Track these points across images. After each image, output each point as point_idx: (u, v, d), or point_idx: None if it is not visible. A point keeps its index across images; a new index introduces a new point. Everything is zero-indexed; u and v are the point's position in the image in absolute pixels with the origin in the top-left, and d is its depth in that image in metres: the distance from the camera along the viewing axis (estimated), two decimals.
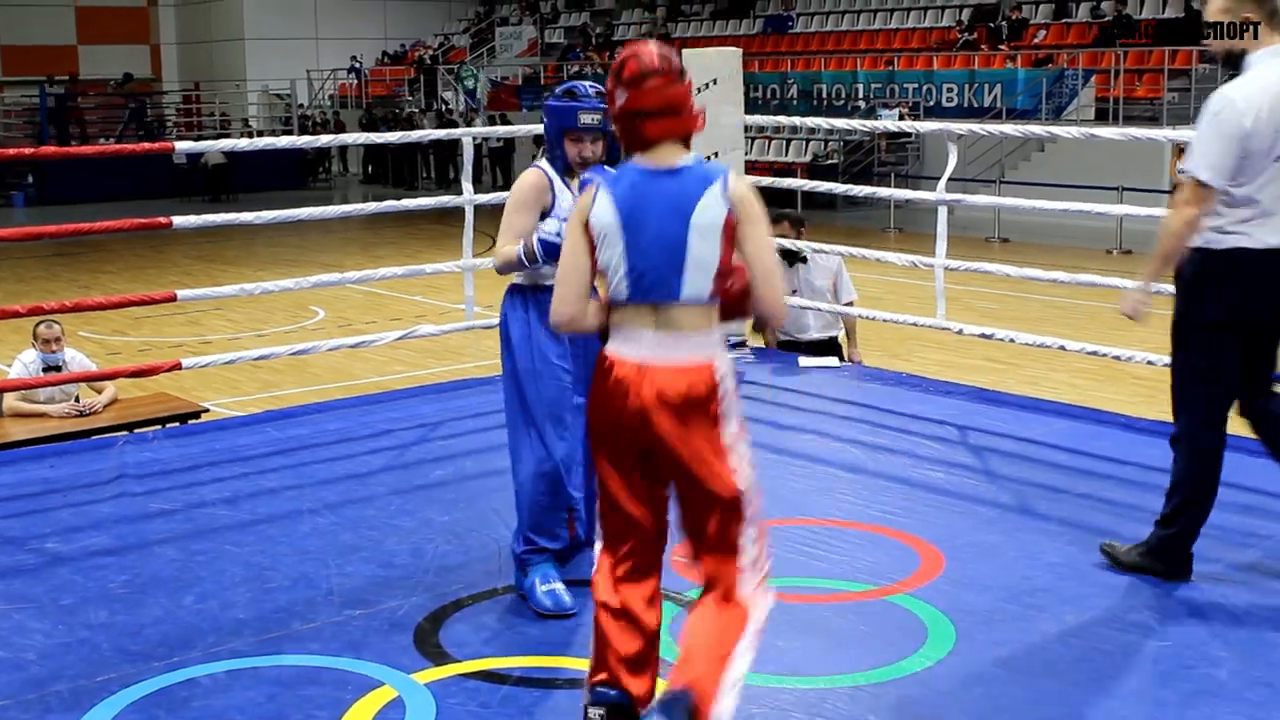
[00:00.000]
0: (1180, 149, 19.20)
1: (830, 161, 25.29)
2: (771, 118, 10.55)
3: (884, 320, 8.40)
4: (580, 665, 3.92)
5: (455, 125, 29.76)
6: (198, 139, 29.53)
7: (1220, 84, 4.78)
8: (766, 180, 9.33)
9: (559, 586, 4.66)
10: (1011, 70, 24.48)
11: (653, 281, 3.56)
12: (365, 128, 31.23)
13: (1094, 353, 7.36)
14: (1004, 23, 26.31)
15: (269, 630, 4.54)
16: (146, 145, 7.18)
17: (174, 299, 7.24)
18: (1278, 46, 4.60)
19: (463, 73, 33.64)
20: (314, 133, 32.02)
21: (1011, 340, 7.70)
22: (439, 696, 4.05)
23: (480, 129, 7.83)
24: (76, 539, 5.47)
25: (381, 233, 22.60)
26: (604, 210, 3.63)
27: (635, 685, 3.60)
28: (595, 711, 3.56)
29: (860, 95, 26.20)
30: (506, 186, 25.33)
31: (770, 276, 3.60)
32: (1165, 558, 4.88)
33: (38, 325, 8.13)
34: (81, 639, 4.50)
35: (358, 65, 36.77)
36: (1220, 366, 4.78)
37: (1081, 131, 7.73)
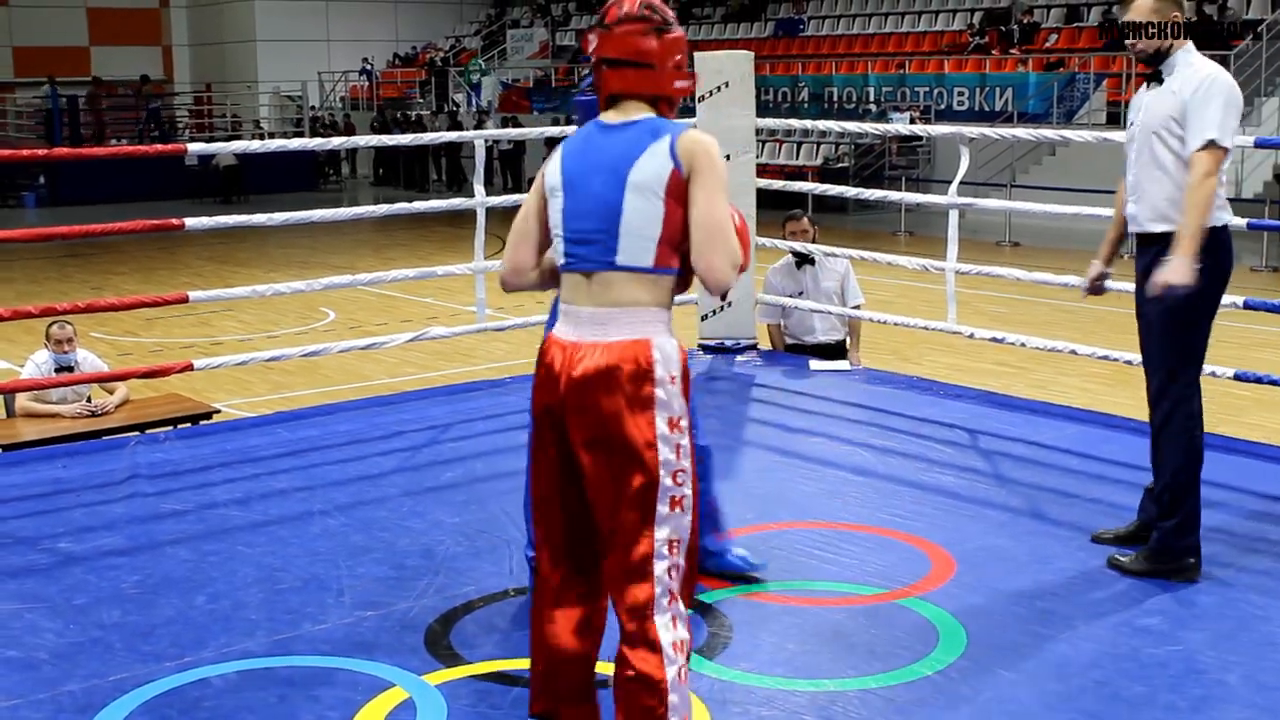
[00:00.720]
0: None
1: (841, 165, 25.28)
2: (782, 121, 10.55)
3: (894, 324, 8.40)
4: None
5: (465, 128, 29.79)
6: (209, 140, 29.59)
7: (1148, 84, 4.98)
8: (778, 184, 9.31)
9: None
10: (1023, 74, 24.45)
11: (586, 246, 3.30)
12: (376, 130, 31.26)
13: (1105, 357, 7.35)
14: (1015, 26, 26.29)
15: (280, 631, 4.55)
16: (159, 147, 7.20)
17: (186, 300, 7.26)
18: (1190, 45, 5.00)
19: (469, 67, 33.68)
20: (325, 135, 32.07)
21: (1022, 344, 7.70)
22: (449, 698, 4.06)
23: (491, 131, 7.85)
24: (89, 539, 5.48)
25: (393, 235, 22.62)
26: (554, 168, 3.39)
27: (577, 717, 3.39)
28: None
29: (871, 99, 26.19)
30: (517, 189, 25.26)
31: (713, 239, 3.20)
32: (1170, 555, 4.89)
33: (50, 326, 8.15)
34: (94, 639, 4.51)
35: (369, 67, 36.81)
36: (1206, 346, 4.94)
37: (1093, 135, 7.73)
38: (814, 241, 8.36)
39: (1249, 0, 23.50)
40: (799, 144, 26.46)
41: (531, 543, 4.56)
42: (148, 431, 7.75)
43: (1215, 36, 22.62)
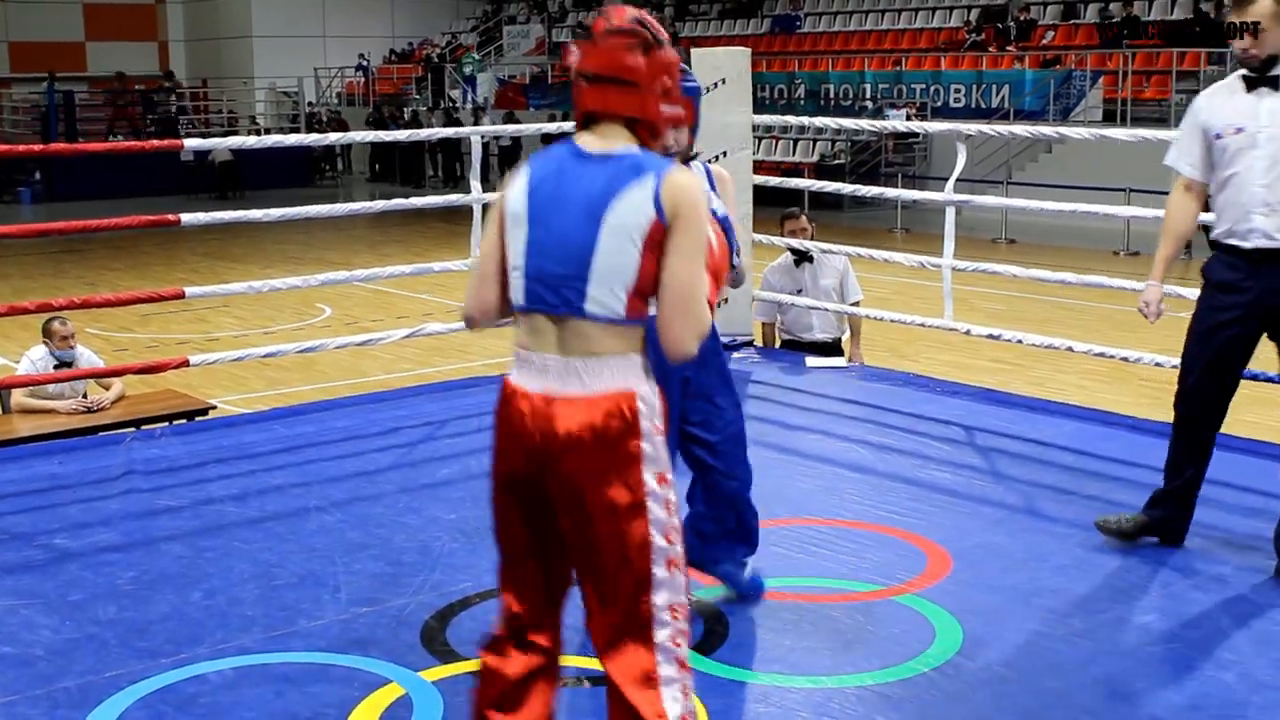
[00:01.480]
0: None
1: (837, 161, 25.29)
2: (779, 117, 10.55)
3: (891, 321, 8.40)
4: (586, 663, 3.92)
5: (462, 124, 29.77)
6: (205, 136, 29.55)
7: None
8: (775, 180, 9.31)
9: None
10: (1019, 71, 24.46)
11: (551, 289, 2.97)
12: (373, 126, 31.24)
13: (1102, 354, 7.35)
14: (1012, 23, 26.29)
15: (277, 627, 4.54)
16: (155, 143, 7.19)
17: (182, 296, 7.25)
18: None
19: (463, 61, 33.67)
20: (321, 131, 32.05)
21: (1019, 341, 7.70)
22: (446, 694, 4.05)
23: (488, 128, 7.83)
24: (85, 535, 5.48)
25: (388, 231, 22.61)
26: (516, 193, 3.04)
27: None
28: None
29: (868, 95, 26.19)
30: None
31: (683, 309, 2.92)
32: (1166, 518, 5.04)
33: (51, 322, 8.13)
34: (90, 635, 4.51)
35: (365, 63, 36.78)
36: None
37: (1090, 132, 7.73)
38: (812, 239, 8.36)
39: None
40: (795, 141, 26.46)
41: None
42: (144, 428, 7.73)
43: (1212, 34, 22.65)
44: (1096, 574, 4.94)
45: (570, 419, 2.94)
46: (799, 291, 8.34)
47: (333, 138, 8.19)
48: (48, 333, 8.15)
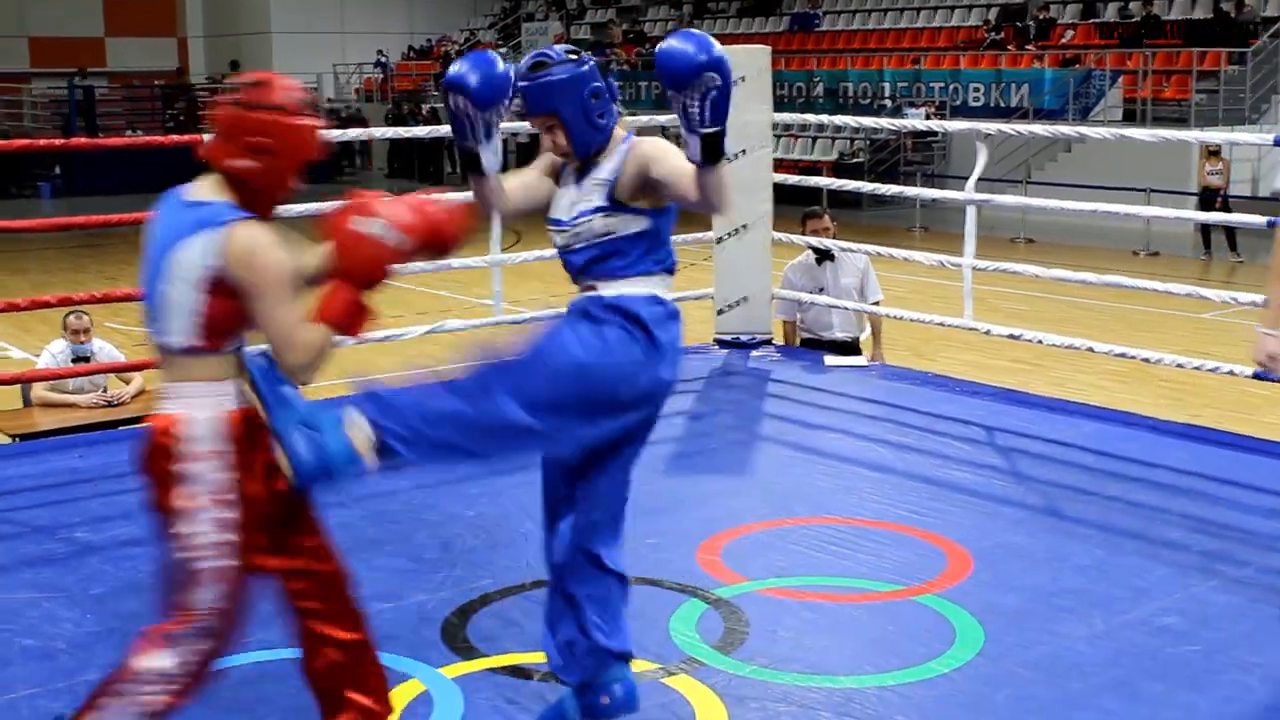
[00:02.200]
0: (1211, 150, 19.06)
1: (856, 160, 25.26)
2: (799, 116, 10.54)
3: (911, 320, 8.38)
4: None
5: None
6: None
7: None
8: (794, 179, 9.30)
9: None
10: (1038, 70, 24.41)
11: (149, 321, 3.30)
12: (392, 123, 31.27)
13: (1122, 354, 7.33)
14: (1031, 22, 26.23)
15: None
16: (175, 138, 7.20)
17: None
18: None
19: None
20: (340, 127, 32.10)
21: (1039, 341, 7.68)
22: (467, 691, 4.06)
23: (507, 124, 7.82)
24: (106, 528, 5.49)
25: None
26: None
27: None
28: None
29: (886, 94, 26.15)
30: None
31: (278, 344, 3.22)
32: None
33: (67, 316, 8.16)
34: (111, 629, 4.51)
35: (384, 60, 36.84)
36: None
37: (1109, 132, 7.71)
38: (834, 238, 8.35)
39: None
40: (814, 139, 26.43)
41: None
42: None
43: (1233, 34, 22.57)
44: (1118, 575, 4.92)
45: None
46: (820, 290, 8.33)
47: (353, 133, 8.20)
48: (66, 327, 8.18)
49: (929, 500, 5.76)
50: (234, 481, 3.28)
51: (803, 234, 8.41)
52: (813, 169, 24.48)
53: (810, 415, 7.12)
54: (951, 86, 25.33)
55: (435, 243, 3.39)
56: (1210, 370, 6.95)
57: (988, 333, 7.83)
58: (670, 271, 3.63)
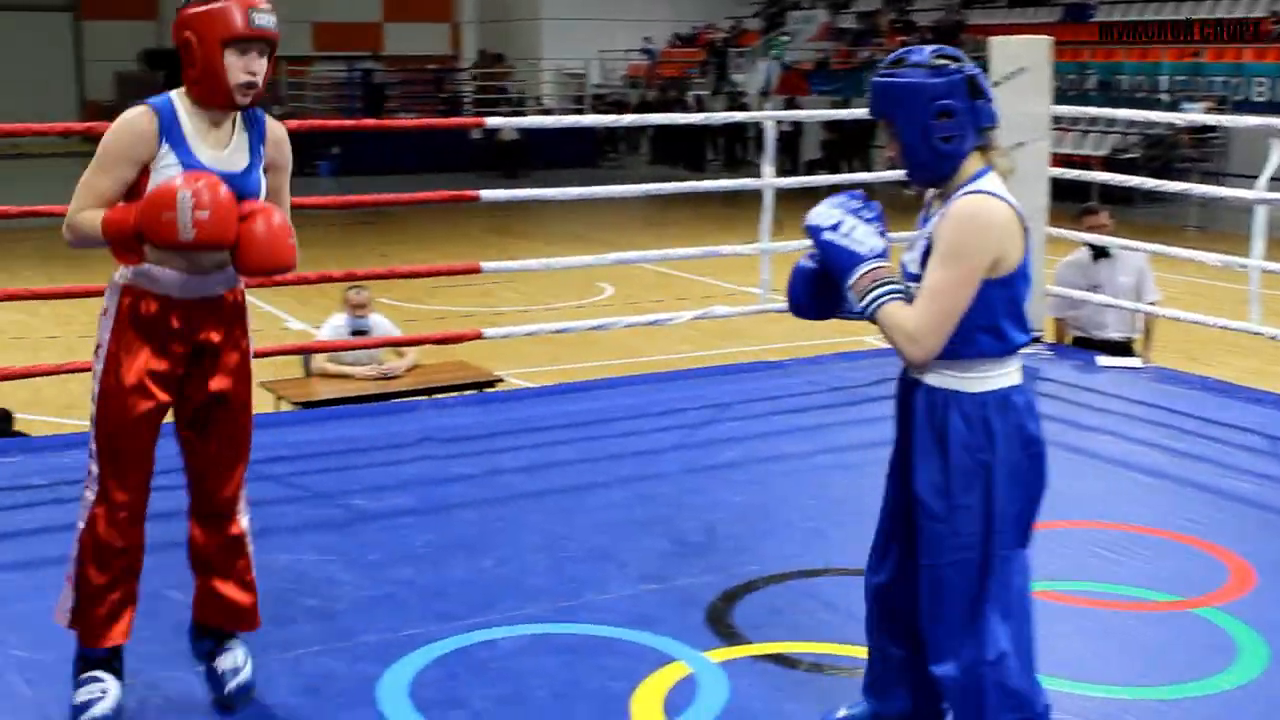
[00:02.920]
0: None
1: (1129, 155, 24.48)
2: (1074, 109, 10.25)
3: (1193, 322, 8.08)
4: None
5: (745, 108, 29.84)
6: (492, 115, 30.24)
7: None
8: (1071, 173, 9.03)
9: None
10: None
11: None
12: (657, 109, 31.54)
13: None
14: None
15: (564, 598, 4.62)
16: (456, 120, 7.40)
17: (478, 270, 7.42)
18: None
19: (775, 40, 33.82)
20: (606, 112, 32.52)
21: None
22: (732, 676, 4.06)
23: (778, 113, 7.76)
24: (382, 497, 5.67)
25: (669, 213, 22.80)
26: None
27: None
28: None
29: (1163, 88, 25.27)
30: (794, 170, 25.03)
31: None
32: None
33: (348, 290, 8.46)
34: (387, 594, 4.66)
35: (650, 47, 37.15)
36: None
37: None
38: (1112, 236, 8.11)
39: None
40: (1084, 133, 25.71)
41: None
42: (435, 396, 7.98)
43: None
44: None
45: None
46: (1094, 288, 8.10)
47: (627, 119, 8.33)
48: (346, 301, 8.48)
49: (1208, 509, 5.55)
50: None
51: (1078, 230, 8.19)
52: (1083, 164, 23.80)
53: (1082, 416, 6.93)
54: (1233, 80, 24.33)
55: (209, 249, 3.53)
56: None
57: (1275, 338, 7.49)
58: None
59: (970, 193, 3.13)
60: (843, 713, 3.64)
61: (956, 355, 3.17)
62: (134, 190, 3.59)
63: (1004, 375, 3.23)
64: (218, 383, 3.72)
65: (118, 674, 3.77)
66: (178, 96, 3.61)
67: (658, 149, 33.43)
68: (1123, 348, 8.22)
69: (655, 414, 6.96)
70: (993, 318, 3.16)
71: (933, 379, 3.22)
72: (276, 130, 3.77)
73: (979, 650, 3.23)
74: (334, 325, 8.49)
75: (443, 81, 34.59)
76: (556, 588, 4.72)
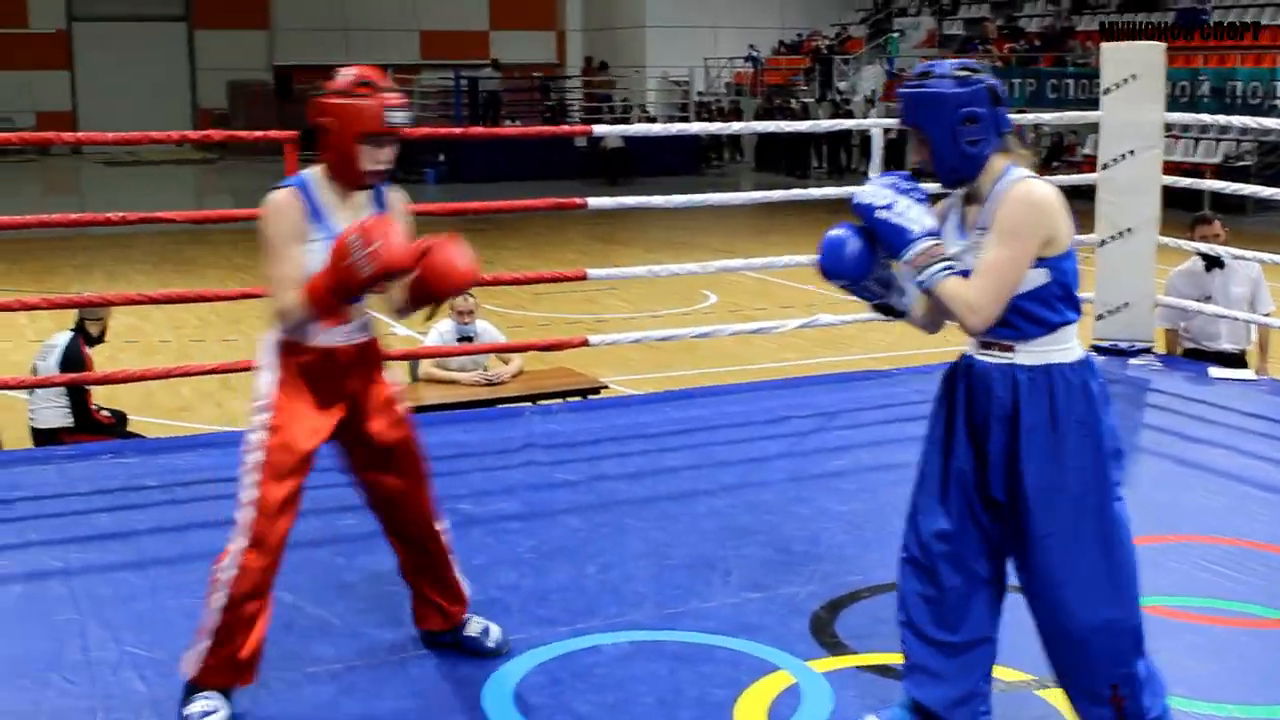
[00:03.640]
0: None
1: (1242, 163, 24.04)
2: (1188, 116, 10.09)
3: None
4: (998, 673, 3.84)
5: (850, 115, 29.72)
6: (596, 123, 30.36)
7: None
8: (1184, 181, 8.90)
9: None
10: None
11: None
12: (762, 117, 31.51)
13: None
14: None
15: (668, 606, 4.63)
16: (564, 128, 7.48)
17: (584, 277, 7.46)
18: None
19: (890, 39, 33.74)
20: (711, 120, 32.55)
21: None
22: (835, 687, 4.05)
23: (884, 120, 7.77)
24: (487, 502, 5.72)
25: (772, 219, 22.73)
26: None
27: None
28: None
29: (1278, 94, 24.77)
30: None
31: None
32: None
33: (455, 297, 8.51)
34: (492, 598, 4.69)
35: (755, 54, 37.12)
36: None
37: None
38: (1225, 246, 7.97)
39: None
40: (1196, 140, 25.29)
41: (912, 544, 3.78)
42: (540, 403, 8.02)
43: None
44: None
45: None
46: (1206, 299, 7.97)
47: (736, 127, 8.31)
48: (452, 307, 8.55)
49: None
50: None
51: (1191, 239, 8.06)
52: (1195, 171, 23.42)
53: (1193, 428, 6.82)
54: None
55: (392, 277, 3.75)
56: None
57: None
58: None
59: (1019, 181, 3.40)
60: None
61: (1052, 327, 3.42)
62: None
63: (1078, 343, 3.50)
64: (378, 423, 4.02)
65: (228, 695, 3.87)
66: (311, 175, 3.93)
67: (762, 156, 33.38)
68: (1236, 359, 8.07)
69: (761, 422, 6.96)
70: (1069, 287, 3.45)
71: (1025, 358, 3.43)
72: (394, 198, 4.06)
73: (1116, 602, 3.45)
74: (440, 331, 8.56)
75: (548, 89, 34.78)
76: (660, 595, 4.73)
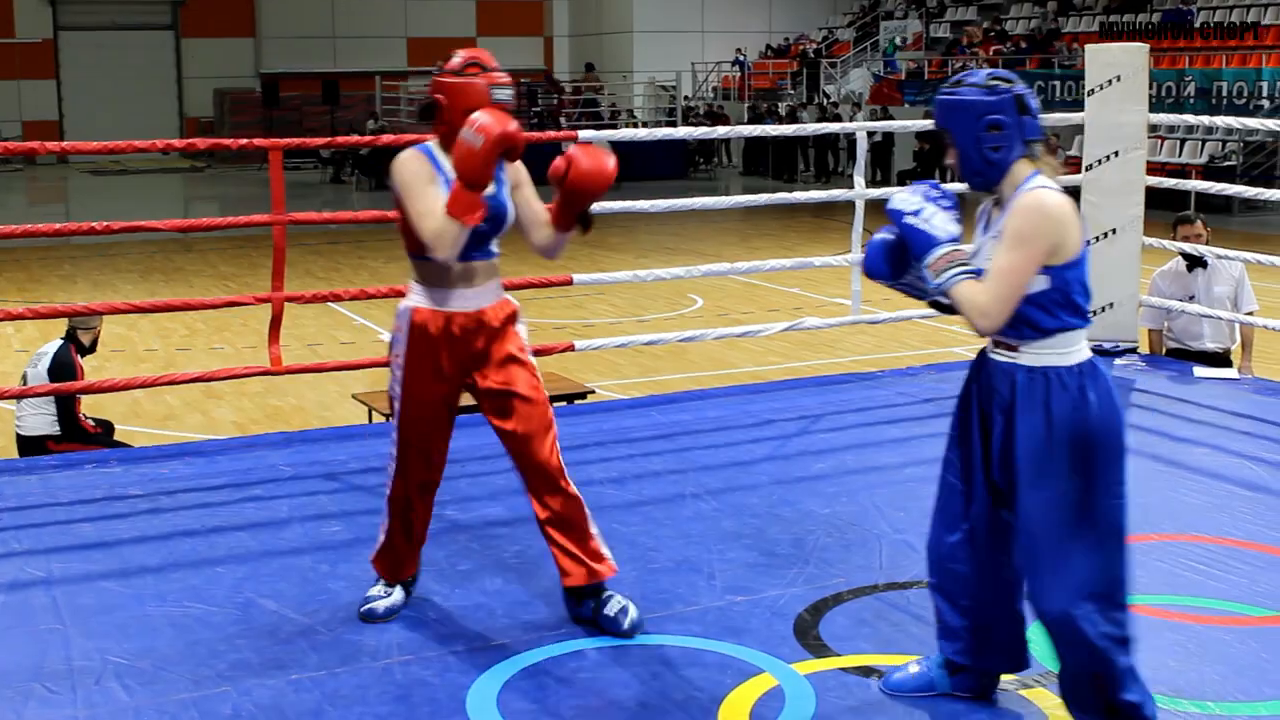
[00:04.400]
0: None
1: (1228, 163, 24.11)
2: (1173, 116, 10.12)
3: None
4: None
5: (837, 119, 29.77)
6: (583, 129, 30.37)
7: None
8: (1168, 182, 8.93)
9: None
10: None
11: None
12: (749, 121, 31.56)
13: None
14: None
15: (652, 610, 4.63)
16: (550, 134, 7.44)
17: (570, 282, 7.47)
18: None
19: (889, 37, 33.83)
20: (698, 124, 32.58)
21: None
22: (818, 688, 4.06)
23: (871, 124, 7.80)
24: (473, 508, 5.71)
25: (760, 224, 22.78)
26: None
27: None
28: None
29: (1264, 94, 24.85)
30: (886, 181, 24.96)
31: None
32: None
33: None
34: (477, 604, 4.70)
35: (742, 58, 37.17)
36: None
37: None
38: (1207, 245, 7.99)
39: None
40: (1181, 141, 25.36)
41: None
42: None
43: None
44: None
45: None
46: (1190, 298, 7.99)
47: (721, 131, 8.30)
48: None
49: None
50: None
51: (1174, 239, 8.08)
52: (1181, 172, 23.49)
53: (1177, 428, 6.84)
54: None
55: (507, 145, 4.12)
56: None
57: None
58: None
59: (1032, 189, 3.57)
60: (914, 668, 4.03)
61: (1048, 332, 3.57)
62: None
63: (1085, 348, 3.62)
64: (500, 375, 4.44)
65: (407, 590, 4.66)
66: (431, 144, 4.37)
67: (749, 160, 33.43)
68: (1220, 359, 8.10)
69: (746, 425, 6.96)
70: (1070, 295, 3.57)
71: (1026, 359, 3.60)
72: (511, 167, 4.47)
73: (1090, 597, 3.57)
74: None
75: (534, 96, 34.79)
76: (645, 599, 4.72)
